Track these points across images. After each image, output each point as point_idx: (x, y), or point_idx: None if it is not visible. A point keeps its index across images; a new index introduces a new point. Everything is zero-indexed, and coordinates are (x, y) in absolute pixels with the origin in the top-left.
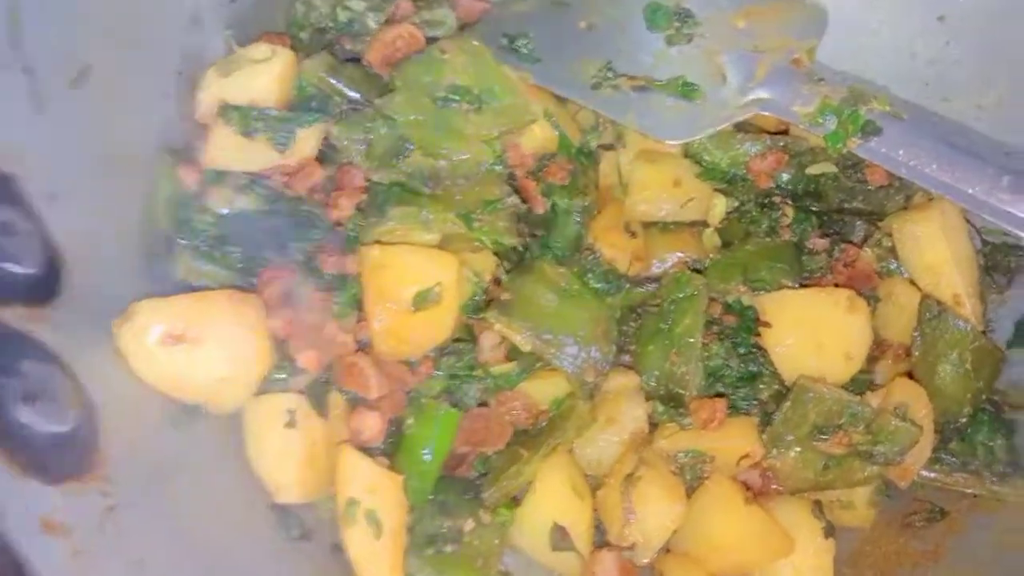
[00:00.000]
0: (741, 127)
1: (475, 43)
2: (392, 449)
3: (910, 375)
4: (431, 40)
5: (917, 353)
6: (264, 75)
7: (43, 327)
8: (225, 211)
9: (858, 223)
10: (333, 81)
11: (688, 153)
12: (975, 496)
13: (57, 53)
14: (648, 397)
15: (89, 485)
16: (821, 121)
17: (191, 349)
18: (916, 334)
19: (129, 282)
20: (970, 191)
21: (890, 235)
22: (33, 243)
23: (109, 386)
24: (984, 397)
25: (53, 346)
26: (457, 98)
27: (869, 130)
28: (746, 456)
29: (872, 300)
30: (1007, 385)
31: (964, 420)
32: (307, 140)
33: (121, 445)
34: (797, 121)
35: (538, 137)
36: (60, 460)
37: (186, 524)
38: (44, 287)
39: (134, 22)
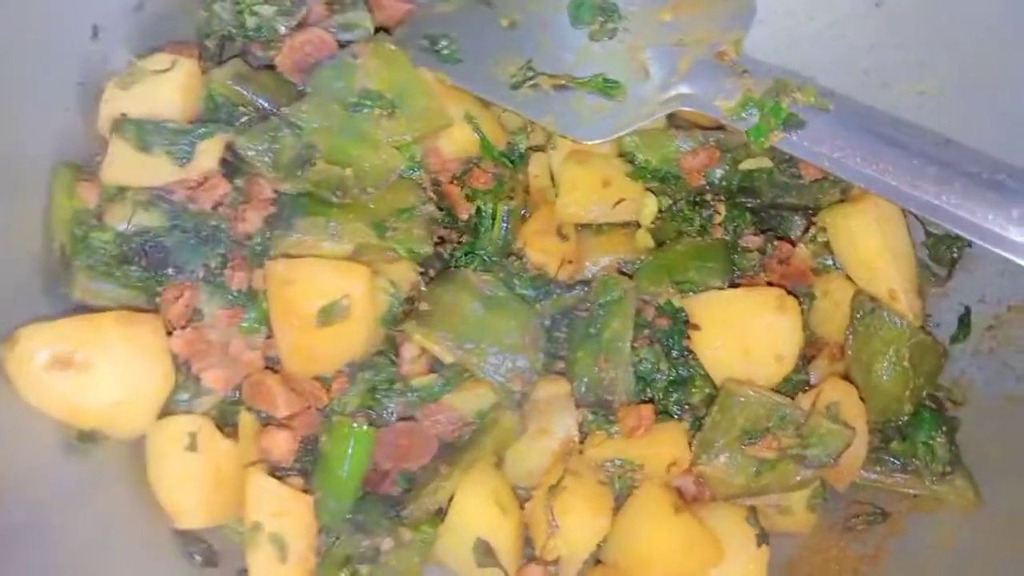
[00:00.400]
0: (674, 123)
1: (390, 46)
2: (308, 468)
3: (847, 376)
4: (346, 44)
5: (851, 351)
6: (165, 86)
7: None
8: (124, 228)
9: (796, 219)
10: (241, 90)
11: (620, 152)
12: (916, 496)
13: None
14: (578, 405)
15: None
16: (744, 115)
17: (80, 373)
18: (849, 331)
19: (21, 305)
20: (894, 183)
21: (825, 230)
22: None
23: None
24: (925, 394)
25: None
26: (369, 103)
27: (792, 123)
28: (675, 463)
29: (807, 298)
30: (950, 381)
31: (905, 418)
32: (208, 152)
33: (13, 475)
34: (719, 116)
35: (459, 141)
36: None
37: (81, 555)
38: None
39: (31, 32)
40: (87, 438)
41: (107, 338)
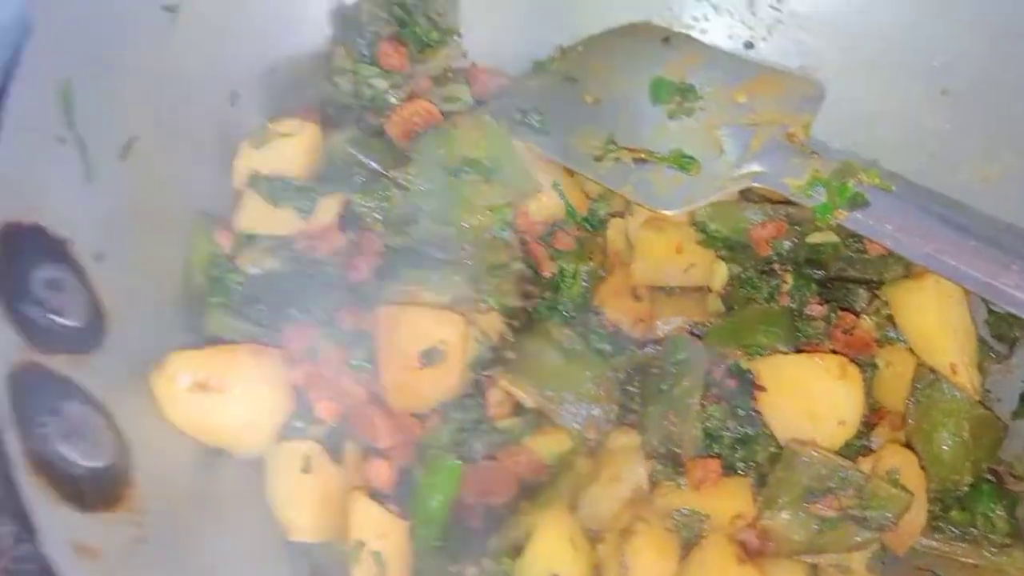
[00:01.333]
0: (745, 196)
1: (487, 118)
2: (403, 497)
3: (908, 444)
4: (448, 115)
5: (912, 421)
6: (292, 147)
7: (84, 373)
8: (254, 271)
9: (860, 291)
10: (356, 153)
11: (692, 221)
12: (975, 566)
13: (106, 128)
14: (648, 456)
15: (120, 516)
16: (811, 193)
17: (216, 396)
18: (911, 401)
19: (165, 335)
20: (952, 263)
21: (888, 303)
22: (79, 299)
23: (143, 428)
24: (985, 467)
25: (93, 391)
26: (468, 169)
27: (857, 202)
28: (739, 516)
29: (870, 367)
30: (1012, 456)
31: (965, 489)
32: (328, 208)
33: (152, 482)
34: (787, 193)
35: (546, 206)
36: (95, 492)
37: (207, 558)
38: (87, 338)
39: (177, 99)
40: (215, 455)
41: (240, 367)
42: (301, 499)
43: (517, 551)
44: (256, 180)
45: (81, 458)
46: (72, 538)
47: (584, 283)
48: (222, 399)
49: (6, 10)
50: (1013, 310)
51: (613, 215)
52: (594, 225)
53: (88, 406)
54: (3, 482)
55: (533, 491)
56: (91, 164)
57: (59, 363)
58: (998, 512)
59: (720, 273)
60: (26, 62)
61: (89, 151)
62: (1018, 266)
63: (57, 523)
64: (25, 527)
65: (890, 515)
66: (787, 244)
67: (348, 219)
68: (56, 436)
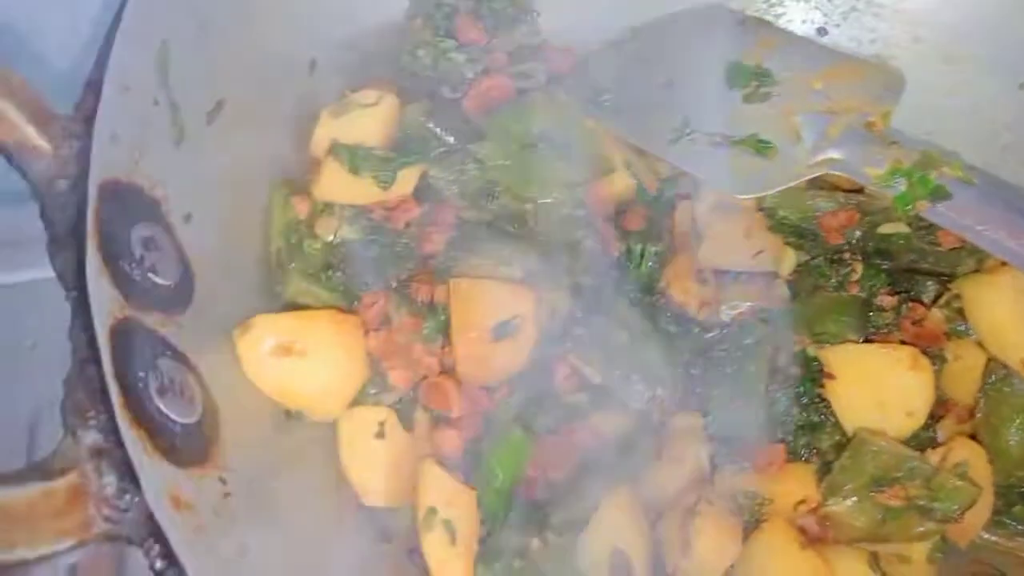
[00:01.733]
0: (815, 184)
1: (561, 96)
2: (471, 467)
3: (973, 436)
4: (522, 91)
5: (980, 415)
6: (371, 118)
7: (176, 332)
8: (331, 239)
9: (929, 283)
10: (432, 126)
11: (761, 207)
12: None
13: (197, 92)
14: (712, 439)
15: (209, 472)
16: (891, 183)
17: (297, 360)
18: (980, 395)
19: (246, 298)
20: (1017, 254)
21: (960, 297)
22: (171, 258)
23: (227, 389)
24: None
25: (184, 349)
26: (543, 146)
27: (938, 194)
28: (803, 501)
29: (939, 360)
30: None
31: None
32: (407, 179)
33: (236, 442)
34: (867, 182)
35: (617, 185)
36: (187, 447)
37: (284, 516)
38: (179, 297)
39: (263, 65)
40: (293, 417)
41: (322, 332)
42: (374, 464)
43: (581, 526)
44: (337, 148)
45: (175, 414)
46: (169, 491)
47: (651, 263)
48: (303, 363)
49: None
50: None
51: (681, 197)
52: (663, 206)
53: (181, 364)
54: (107, 435)
55: (596, 468)
56: (182, 127)
57: (154, 321)
58: None
59: (788, 259)
60: (126, 23)
61: (181, 114)
62: None
63: (156, 476)
64: (129, 478)
65: (956, 508)
66: (857, 234)
67: (424, 191)
68: (153, 391)
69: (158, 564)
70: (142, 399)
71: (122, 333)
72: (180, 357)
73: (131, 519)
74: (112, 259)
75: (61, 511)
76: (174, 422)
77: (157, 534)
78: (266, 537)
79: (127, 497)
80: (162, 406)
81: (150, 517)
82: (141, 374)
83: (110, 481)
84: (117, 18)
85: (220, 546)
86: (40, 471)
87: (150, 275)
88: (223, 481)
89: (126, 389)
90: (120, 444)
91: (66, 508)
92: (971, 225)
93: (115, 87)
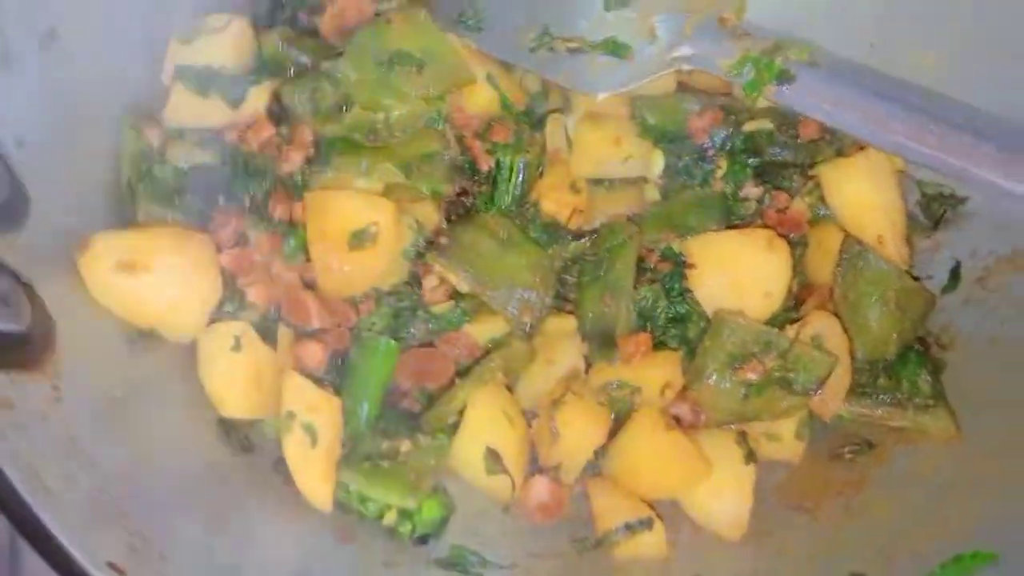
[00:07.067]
0: (685, 89)
1: (421, 14)
2: (337, 380)
3: (835, 314)
4: (382, 13)
5: (839, 292)
6: (222, 42)
7: (6, 249)
8: (184, 165)
9: (795, 176)
10: (288, 49)
11: (632, 115)
12: (900, 429)
13: (25, 17)
14: (584, 338)
15: (36, 379)
16: (741, 72)
17: (142, 276)
18: (838, 272)
19: (93, 222)
20: (875, 129)
21: (820, 184)
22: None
23: (70, 307)
24: (914, 336)
25: (15, 266)
26: (400, 62)
27: (783, 78)
28: (668, 385)
29: (801, 245)
30: (939, 328)
31: (892, 358)
32: (257, 98)
33: (78, 357)
34: (719, 73)
35: (481, 99)
36: (10, 354)
37: (137, 428)
38: (7, 216)
39: None
40: (147, 337)
41: (165, 248)
42: (233, 377)
43: (453, 427)
44: (183, 71)
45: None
46: None
47: (520, 175)
48: (148, 280)
49: None
50: (934, 169)
51: (552, 111)
52: (532, 121)
53: (8, 278)
54: None
55: (469, 373)
56: (10, 52)
57: None
58: (923, 377)
59: (656, 163)
60: None
61: (8, 37)
62: (939, 129)
63: None
64: None
65: (815, 378)
66: (723, 133)
67: (278, 112)
68: None
69: None
70: None
71: None
72: (9, 273)
73: None
74: None
75: None
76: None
77: None
78: (112, 444)
79: None
80: None
81: None
82: None
83: None
84: None
85: (43, 440)
86: None
87: None
88: (55, 387)
89: None
90: None
91: None
92: (818, 105)
93: None
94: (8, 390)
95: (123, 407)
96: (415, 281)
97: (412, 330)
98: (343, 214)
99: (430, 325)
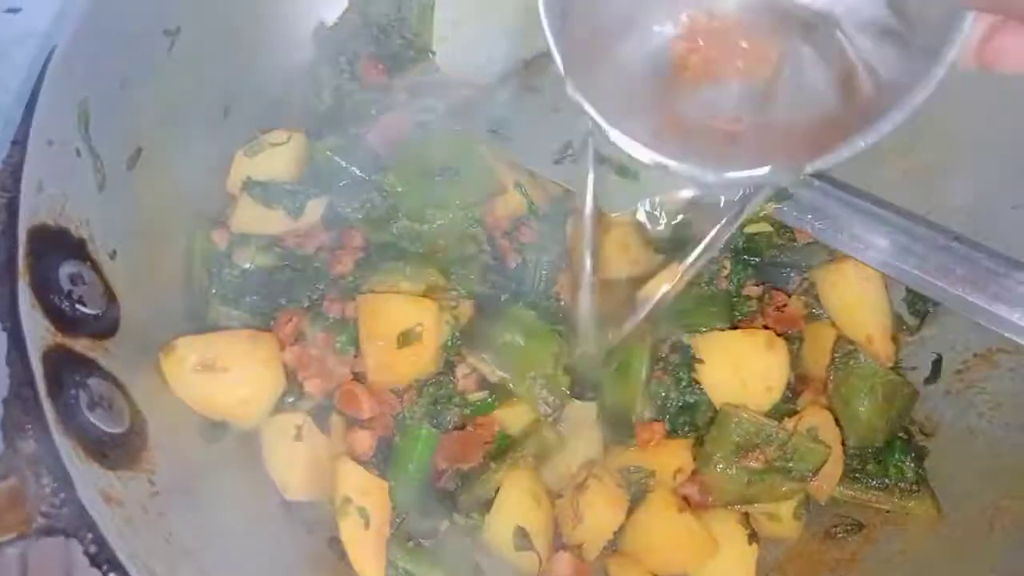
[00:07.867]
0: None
1: (456, 129)
2: (383, 464)
3: (829, 406)
4: (422, 124)
5: (831, 385)
6: (281, 155)
7: (104, 355)
8: (248, 266)
9: (792, 275)
10: (339, 160)
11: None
12: (888, 511)
13: (116, 141)
14: (602, 424)
15: (138, 474)
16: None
17: (218, 376)
18: (831, 369)
19: (172, 323)
20: (861, 247)
21: (814, 284)
22: (97, 290)
23: (156, 403)
24: (899, 426)
25: (111, 369)
26: (440, 174)
27: (781, 196)
28: (680, 470)
29: (797, 340)
30: (922, 416)
31: (880, 446)
32: (314, 209)
33: (165, 448)
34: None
35: (510, 204)
36: (117, 453)
37: (212, 512)
38: (105, 324)
39: (180, 115)
40: (218, 427)
41: (239, 350)
42: (294, 463)
43: (486, 507)
44: (250, 184)
45: (105, 425)
46: (100, 489)
47: (544, 272)
48: (223, 377)
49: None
50: (917, 288)
51: (572, 213)
52: (555, 222)
53: (108, 382)
54: (43, 444)
55: (501, 456)
56: (104, 173)
57: (83, 346)
58: (907, 463)
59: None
60: (49, 84)
61: (102, 162)
62: (921, 249)
63: (87, 477)
64: (63, 479)
65: (811, 466)
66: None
67: (332, 219)
68: (84, 406)
69: (92, 549)
70: (74, 413)
71: (53, 358)
72: (108, 376)
73: (67, 515)
74: (43, 294)
75: (3, 509)
76: (104, 432)
77: (91, 526)
78: (194, 529)
79: (62, 496)
80: (92, 419)
81: (84, 512)
82: (72, 392)
83: (47, 483)
84: (40, 79)
85: (148, 536)
86: None
87: (78, 306)
88: (151, 482)
89: (58, 406)
90: (56, 452)
91: (7, 506)
92: (810, 220)
93: (39, 142)
94: (118, 489)
95: (199, 495)
96: (449, 369)
97: (448, 416)
98: (393, 316)
99: (465, 411)
